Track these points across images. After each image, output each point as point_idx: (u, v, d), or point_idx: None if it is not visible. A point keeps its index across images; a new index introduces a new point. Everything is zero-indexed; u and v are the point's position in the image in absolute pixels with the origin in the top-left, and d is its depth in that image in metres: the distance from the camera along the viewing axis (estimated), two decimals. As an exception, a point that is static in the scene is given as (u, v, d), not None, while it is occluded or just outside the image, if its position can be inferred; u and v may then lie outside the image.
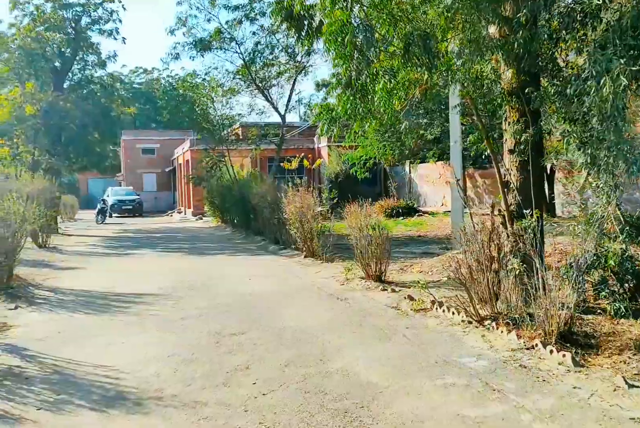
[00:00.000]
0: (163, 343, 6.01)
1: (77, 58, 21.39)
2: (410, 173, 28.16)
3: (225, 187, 21.33)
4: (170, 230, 23.59)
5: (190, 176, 24.33)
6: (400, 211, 22.50)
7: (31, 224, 10.11)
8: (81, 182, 54.43)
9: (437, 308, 6.90)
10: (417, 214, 22.93)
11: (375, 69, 5.66)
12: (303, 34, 6.36)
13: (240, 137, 22.64)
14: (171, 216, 36.91)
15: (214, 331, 6.35)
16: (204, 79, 22.25)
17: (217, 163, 21.63)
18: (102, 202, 29.43)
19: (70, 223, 31.15)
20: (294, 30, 6.32)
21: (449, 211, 23.88)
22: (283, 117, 20.79)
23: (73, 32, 20.37)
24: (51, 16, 19.45)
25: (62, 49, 20.27)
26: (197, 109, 21.97)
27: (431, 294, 7.14)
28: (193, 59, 19.31)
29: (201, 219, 29.12)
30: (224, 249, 15.41)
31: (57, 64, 20.81)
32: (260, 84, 20.25)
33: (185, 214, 34.44)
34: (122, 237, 20.73)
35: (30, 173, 17.72)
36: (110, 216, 34.23)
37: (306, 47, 15.44)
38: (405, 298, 7.63)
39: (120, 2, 20.95)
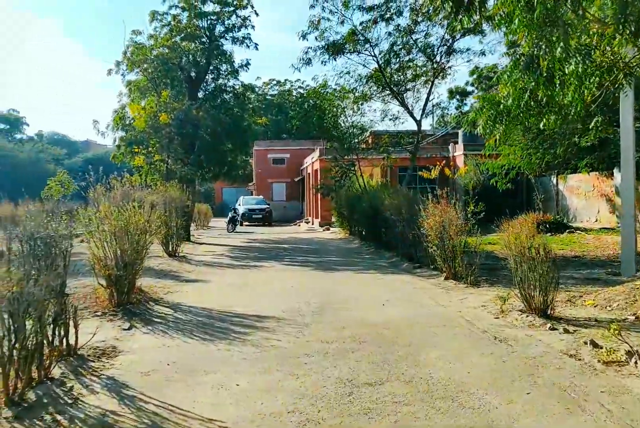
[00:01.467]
0: (283, 391, 4.88)
1: (211, 67, 21.48)
2: (557, 184, 25.46)
3: (354, 197, 20.30)
4: (298, 241, 22.97)
5: (319, 186, 23.63)
6: (547, 226, 20.16)
7: (152, 235, 9.57)
8: (215, 190, 56.47)
9: (636, 362, 5.21)
10: (567, 230, 20.44)
11: (571, 45, 4.17)
12: (464, 4, 5.03)
13: (370, 145, 21.53)
14: (299, 225, 36.68)
15: (345, 378, 5.13)
16: (334, 89, 21.50)
17: (347, 172, 20.68)
18: (233, 211, 29.71)
19: (203, 230, 31.84)
20: (450, 3, 5.04)
21: (606, 228, 21.31)
22: (419, 123, 19.41)
23: (207, 40, 20.47)
24: (187, 26, 19.66)
25: (197, 58, 20.41)
26: (327, 117, 21.22)
27: (625, 341, 5.44)
28: (325, 64, 18.40)
29: (328, 229, 28.37)
30: (352, 265, 14.29)
31: (191, 73, 21.01)
32: (394, 88, 19.02)
33: (312, 224, 33.99)
34: (250, 247, 20.35)
35: (164, 181, 17.82)
36: (241, 224, 34.63)
37: (459, 32, 14.05)
38: (585, 343, 5.96)
39: (252, 7, 20.80)
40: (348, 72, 19.09)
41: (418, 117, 19.37)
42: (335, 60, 18.74)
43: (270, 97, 58.19)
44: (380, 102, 20.09)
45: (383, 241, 17.00)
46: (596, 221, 22.78)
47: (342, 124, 20.77)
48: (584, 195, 23.59)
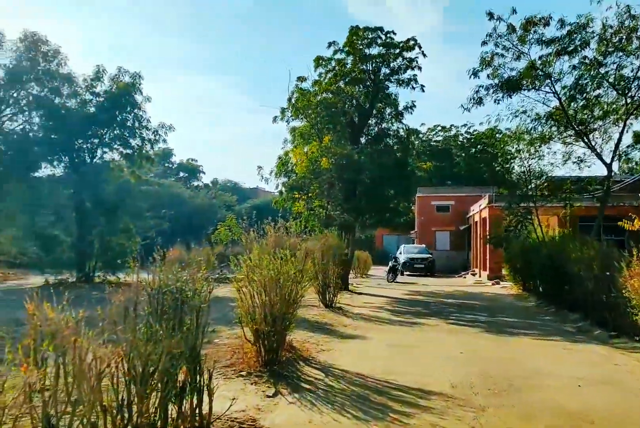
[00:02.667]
0: None
1: (374, 111, 20.98)
2: None
3: (530, 249, 18.13)
4: (464, 295, 21.04)
5: (489, 237, 21.69)
6: None
7: (305, 287, 8.68)
8: (376, 237, 55.87)
9: None
10: None
11: None
12: None
13: (548, 192, 19.31)
14: (464, 277, 34.37)
15: None
16: (507, 130, 19.78)
17: (522, 221, 18.63)
18: (394, 259, 28.52)
19: (362, 278, 30.98)
20: None
21: None
22: (609, 166, 16.91)
23: (371, 84, 20.04)
24: (351, 69, 19.42)
25: (361, 102, 20.03)
26: (498, 161, 19.51)
27: None
28: (498, 103, 16.84)
29: (498, 284, 25.95)
30: (530, 328, 12.27)
31: (354, 118, 20.66)
32: (578, 128, 16.88)
33: (479, 276, 31.60)
34: (412, 300, 18.90)
35: (322, 228, 17.25)
36: (402, 274, 33.26)
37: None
38: None
39: (420, 48, 20.07)
40: (524, 111, 17.40)
41: (608, 160, 16.93)
42: (510, 97, 17.19)
43: (434, 143, 57.07)
44: (561, 143, 18.00)
45: (566, 301, 14.68)
46: None
47: (517, 169, 18.98)
48: None
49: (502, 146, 18.88)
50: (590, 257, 12.01)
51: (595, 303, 12.02)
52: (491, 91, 17.24)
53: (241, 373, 7.15)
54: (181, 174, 73.41)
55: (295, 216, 20.70)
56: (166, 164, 71.25)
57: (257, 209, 57.27)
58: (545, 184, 18.73)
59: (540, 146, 18.15)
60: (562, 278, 14.52)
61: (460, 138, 57.36)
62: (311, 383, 7.01)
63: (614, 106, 17.15)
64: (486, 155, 20.72)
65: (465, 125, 54.91)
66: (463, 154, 55.49)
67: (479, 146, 27.56)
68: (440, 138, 59.38)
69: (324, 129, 20.77)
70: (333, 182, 19.00)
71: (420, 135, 52.49)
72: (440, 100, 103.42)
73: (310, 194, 19.59)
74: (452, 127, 58.61)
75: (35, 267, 23.77)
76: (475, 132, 48.15)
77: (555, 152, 18.34)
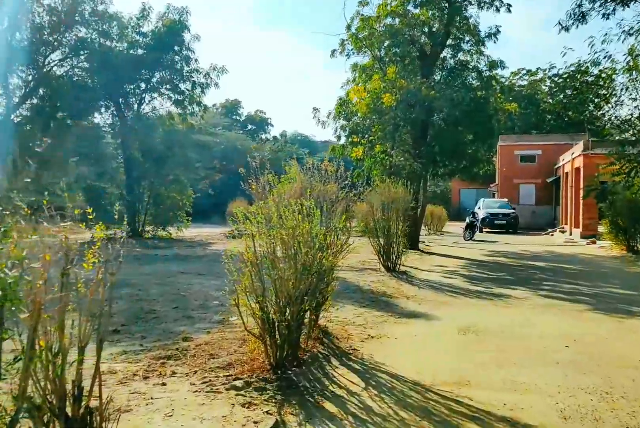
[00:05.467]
0: None
1: (450, 40, 17.64)
2: None
3: (644, 203, 14.76)
4: (555, 257, 17.89)
5: (589, 188, 18.15)
6: None
7: (336, 255, 6.17)
8: (452, 191, 52.24)
9: None
10: None
11: None
12: None
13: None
14: (552, 235, 30.74)
15: None
16: (612, 60, 15.82)
17: (637, 166, 15.05)
18: (471, 215, 25.39)
19: (436, 236, 28.14)
20: None
21: None
22: None
23: (446, 5, 16.64)
24: (423, -12, 16.16)
25: (433, 28, 16.76)
26: (603, 98, 15.85)
27: None
28: (607, 18, 13.22)
29: (594, 243, 22.44)
30: (655, 305, 9.28)
31: (425, 48, 17.44)
32: None
33: (570, 234, 27.95)
34: (492, 263, 16.02)
35: (385, 177, 14.54)
36: (481, 231, 30.13)
37: None
38: None
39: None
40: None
41: None
42: (626, 7, 13.40)
43: (518, 88, 51.91)
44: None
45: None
46: None
47: (628, 103, 15.31)
48: None
49: (609, 75, 15.14)
50: None
51: None
52: (598, 3, 13.51)
53: (236, 382, 4.80)
54: (249, 127, 71.45)
55: (357, 164, 18.03)
56: (234, 116, 69.49)
57: (328, 161, 54.54)
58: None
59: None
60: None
61: (548, 82, 51.95)
62: (340, 402, 4.57)
63: None
64: (582, 96, 16.89)
65: (554, 66, 49.30)
66: (551, 100, 50.24)
67: (572, 88, 23.17)
68: (524, 83, 54.12)
69: (390, 63, 17.69)
70: (398, 123, 16.09)
71: (503, 79, 47.70)
72: (525, 48, 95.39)
73: (371, 138, 16.78)
74: (539, 70, 53.14)
75: (84, 221, 22.45)
76: (568, 71, 42.60)
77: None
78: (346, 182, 7.25)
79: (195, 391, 4.61)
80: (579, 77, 16.85)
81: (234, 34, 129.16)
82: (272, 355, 5.10)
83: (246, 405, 4.36)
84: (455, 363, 5.77)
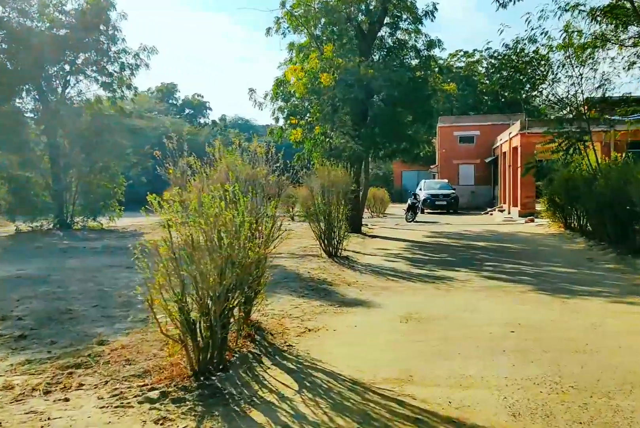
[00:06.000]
0: None
1: (388, 19, 17.20)
2: None
3: (580, 180, 14.81)
4: (496, 236, 17.94)
5: (528, 165, 18.15)
6: None
7: (266, 243, 5.66)
8: (394, 173, 52.45)
9: None
10: None
11: None
12: None
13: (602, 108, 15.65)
14: (491, 214, 31.15)
15: None
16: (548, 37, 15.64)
17: (575, 144, 15.03)
18: (413, 197, 25.30)
19: (378, 218, 28.02)
20: None
21: None
22: None
23: (384, -20, 16.19)
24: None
25: (370, 6, 16.25)
26: (540, 75, 15.75)
27: None
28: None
29: (532, 221, 22.74)
30: (594, 284, 9.19)
31: (362, 26, 16.95)
32: None
33: (509, 213, 28.34)
34: (435, 244, 15.87)
35: (325, 160, 14.07)
36: (422, 212, 30.19)
37: None
38: None
39: None
40: (577, 4, 13.36)
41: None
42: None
43: (456, 70, 52.28)
44: (619, 46, 14.06)
45: (631, 244, 11.55)
46: None
47: (564, 81, 15.25)
48: None
49: (546, 53, 15.03)
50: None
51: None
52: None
53: (151, 393, 4.22)
54: (187, 111, 69.40)
55: (297, 147, 17.45)
56: (170, 101, 67.33)
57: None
58: (603, 96, 14.99)
59: (593, 53, 14.29)
60: (630, 216, 11.34)
61: (485, 64, 52.50)
62: (269, 410, 4.07)
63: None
64: (518, 75, 16.75)
65: (489, 48, 49.71)
66: (488, 81, 50.88)
67: (508, 69, 23.02)
68: (462, 64, 54.58)
69: (328, 42, 17.10)
70: (337, 104, 15.58)
71: (441, 61, 47.89)
72: (461, 30, 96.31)
73: (310, 120, 16.23)
74: (476, 52, 53.63)
75: (8, 213, 21.08)
76: (505, 49, 43.09)
77: (613, 58, 14.48)
78: (277, 164, 6.70)
79: (103, 406, 4.01)
80: (514, 58, 16.71)
81: (168, 16, 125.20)
82: (195, 360, 4.54)
83: (160, 422, 3.80)
84: (397, 357, 5.38)
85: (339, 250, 12.57)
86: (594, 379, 4.64)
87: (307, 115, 17.10)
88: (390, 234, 18.41)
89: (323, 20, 16.64)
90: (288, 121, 16.79)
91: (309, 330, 6.36)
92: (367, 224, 20.99)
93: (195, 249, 4.46)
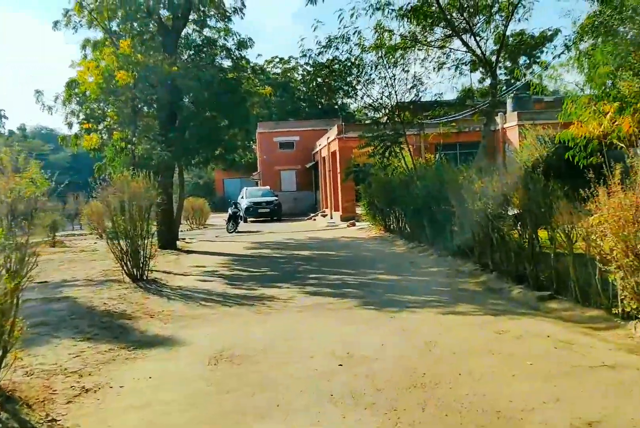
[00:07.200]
0: None
1: (194, 15, 15.87)
2: (647, 157, 19.69)
3: (398, 182, 14.73)
4: (320, 243, 17.40)
5: (347, 171, 17.83)
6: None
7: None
8: (216, 182, 50.94)
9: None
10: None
11: None
12: None
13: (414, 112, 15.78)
14: (314, 220, 31.05)
15: None
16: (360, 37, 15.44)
17: (391, 146, 14.85)
18: (233, 206, 24.05)
19: (199, 230, 26.39)
20: None
21: None
22: (493, 72, 13.48)
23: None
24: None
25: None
26: (355, 76, 15.49)
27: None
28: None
29: (354, 225, 22.77)
30: (421, 291, 8.69)
31: (167, 22, 15.44)
32: (458, 22, 13.03)
33: (331, 218, 28.37)
34: (256, 256, 14.81)
35: (128, 170, 12.35)
36: (245, 221, 29.22)
37: None
38: None
39: None
40: (388, 3, 13.18)
41: (493, 63, 13.45)
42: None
43: (274, 76, 52.32)
44: (427, 46, 14.16)
45: (451, 246, 11.48)
46: None
47: (379, 82, 15.10)
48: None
49: (359, 52, 14.76)
50: (498, 190, 8.58)
51: (510, 251, 8.72)
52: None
53: None
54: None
55: (94, 156, 15.35)
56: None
57: (77, 158, 48.87)
58: (416, 98, 15.08)
59: (406, 51, 14.27)
60: (446, 216, 11.24)
61: (301, 70, 53.23)
62: None
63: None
64: (342, 67, 16.38)
65: (305, 55, 50.49)
66: (304, 88, 51.67)
67: (323, 75, 22.75)
68: (278, 71, 54.85)
69: (128, 38, 15.25)
70: (138, 105, 13.87)
71: (256, 67, 47.46)
72: (278, 40, 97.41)
73: (107, 125, 14.28)
74: (291, 59, 54.15)
75: None
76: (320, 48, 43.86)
77: (425, 59, 14.61)
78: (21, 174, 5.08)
79: None
80: (328, 64, 16.33)
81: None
82: None
83: None
84: (200, 418, 4.10)
85: (146, 272, 10.93)
86: (440, 426, 3.77)
87: (107, 119, 15.10)
88: (210, 248, 17.00)
89: (120, 13, 14.77)
90: (81, 126, 14.61)
91: (87, 391, 4.83)
92: (184, 238, 19.37)
93: None
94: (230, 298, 8.95)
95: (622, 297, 5.52)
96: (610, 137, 15.31)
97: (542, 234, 7.91)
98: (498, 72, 15.46)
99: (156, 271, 11.58)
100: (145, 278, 10.79)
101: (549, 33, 15.90)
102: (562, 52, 12.59)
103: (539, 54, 23.37)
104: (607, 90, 16.48)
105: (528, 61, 32.81)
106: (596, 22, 11.33)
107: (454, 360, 5.23)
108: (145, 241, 10.99)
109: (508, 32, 14.08)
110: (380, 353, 5.56)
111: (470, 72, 15.13)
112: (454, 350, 5.55)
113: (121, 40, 13.71)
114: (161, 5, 15.15)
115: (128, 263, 10.73)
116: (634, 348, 5.17)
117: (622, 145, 10.10)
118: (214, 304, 8.56)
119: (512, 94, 23.82)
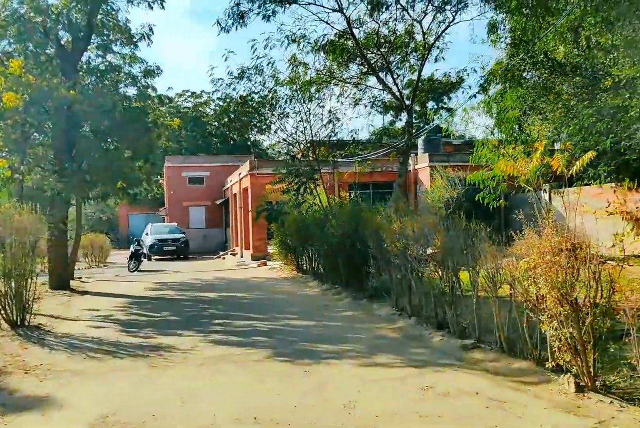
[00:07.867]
0: None
1: (95, 38, 14.90)
2: (550, 199, 20.41)
3: (312, 221, 14.19)
4: (228, 285, 16.42)
5: (259, 209, 17.11)
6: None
7: None
8: (120, 218, 48.57)
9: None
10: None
11: None
12: None
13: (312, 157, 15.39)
14: (223, 258, 29.87)
15: None
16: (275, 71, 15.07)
17: (306, 183, 14.32)
18: (136, 243, 22.54)
19: (98, 268, 24.58)
20: None
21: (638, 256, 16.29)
22: (409, 110, 13.37)
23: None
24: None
25: (73, 19, 13.78)
26: (268, 108, 14.99)
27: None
28: (268, 20, 12.20)
29: (265, 265, 21.92)
30: (337, 340, 8.02)
31: (66, 44, 14.37)
32: (374, 59, 12.90)
33: (241, 257, 27.36)
34: (157, 299, 13.62)
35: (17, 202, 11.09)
36: (149, 259, 27.68)
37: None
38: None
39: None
40: (304, 36, 12.89)
41: (409, 102, 13.37)
42: (287, 6, 12.51)
43: (185, 110, 51.23)
44: (341, 82, 13.99)
45: (364, 287, 10.98)
46: (614, 246, 17.76)
47: (294, 116, 14.69)
48: (594, 213, 18.57)
49: (273, 85, 14.30)
50: (420, 229, 8.17)
51: (426, 292, 8.29)
52: (257, 1, 12.41)
53: None
54: None
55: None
56: None
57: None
58: (332, 134, 14.73)
59: (323, 86, 13.98)
60: (362, 257, 10.75)
61: (213, 105, 52.52)
62: None
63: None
64: (247, 117, 15.92)
65: (217, 90, 49.96)
66: (216, 123, 50.95)
67: (237, 112, 22.03)
68: (190, 105, 53.83)
69: (21, 58, 14.03)
70: (28, 131, 12.62)
71: (163, 97, 46.40)
72: (192, 76, 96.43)
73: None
74: (203, 93, 53.36)
75: None
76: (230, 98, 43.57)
77: (341, 94, 14.37)
78: None
79: None
80: (241, 99, 15.81)
81: None
82: None
83: None
84: None
85: (29, 317, 9.61)
86: None
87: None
88: (107, 289, 15.59)
89: (11, 31, 13.58)
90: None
91: None
92: (80, 278, 17.79)
93: None
94: (123, 348, 7.87)
95: (555, 349, 5.11)
96: (518, 180, 15.51)
97: (464, 276, 7.53)
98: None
99: (42, 315, 10.30)
100: (27, 323, 9.49)
101: (465, 73, 16.21)
102: (478, 92, 12.76)
103: (446, 100, 24.00)
104: (515, 134, 16.96)
105: (436, 106, 33.92)
106: (508, 67, 11.62)
107: (376, 425, 4.56)
108: (29, 281, 9.72)
109: (423, 73, 14.22)
110: (293, 418, 4.81)
111: (386, 110, 15.09)
112: (376, 412, 4.89)
113: (12, 59, 12.50)
114: (60, 26, 14.09)
115: (7, 306, 9.39)
116: (570, 407, 4.73)
117: (530, 188, 10.13)
118: (103, 355, 7.47)
119: (424, 136, 24.26)
